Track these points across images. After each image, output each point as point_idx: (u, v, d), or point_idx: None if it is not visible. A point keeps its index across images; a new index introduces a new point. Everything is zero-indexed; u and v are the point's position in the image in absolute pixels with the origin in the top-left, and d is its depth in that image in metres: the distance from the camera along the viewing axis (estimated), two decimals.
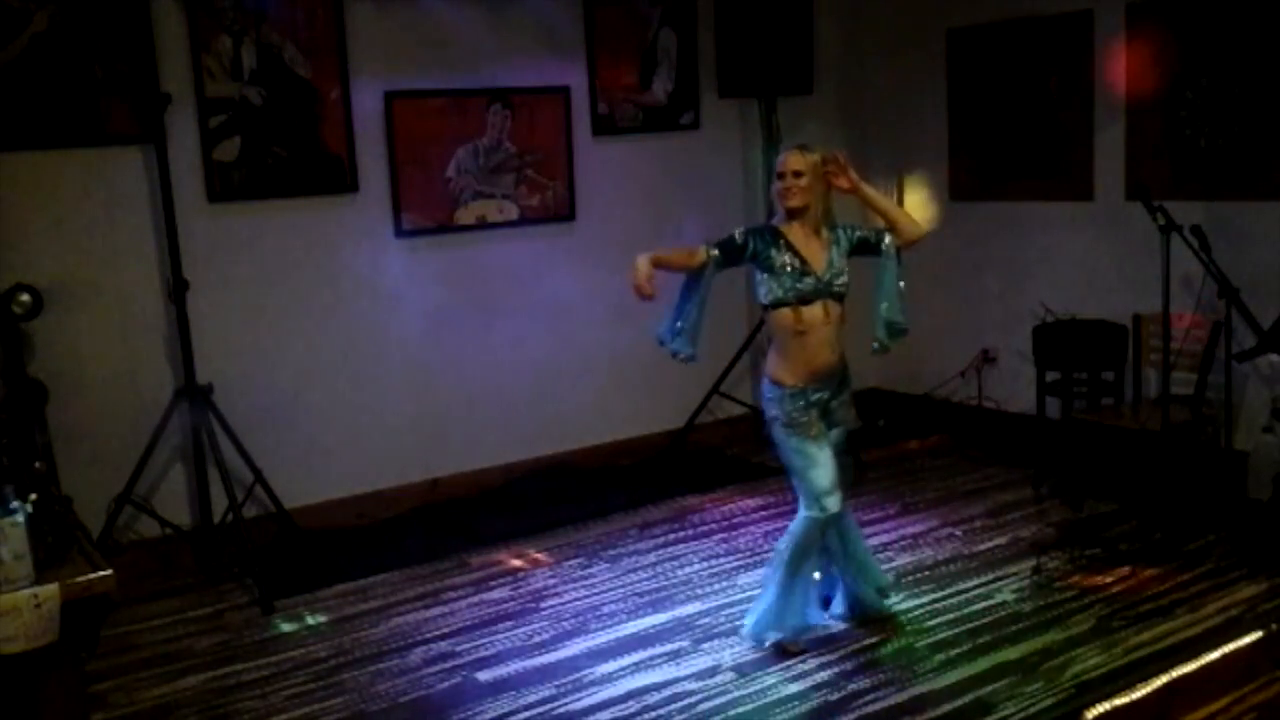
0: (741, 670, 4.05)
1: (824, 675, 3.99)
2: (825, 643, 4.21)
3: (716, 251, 4.01)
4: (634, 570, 5.03)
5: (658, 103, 6.49)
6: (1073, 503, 5.49)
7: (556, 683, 4.01)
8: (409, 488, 5.88)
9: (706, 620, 4.47)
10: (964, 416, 6.77)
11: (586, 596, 4.77)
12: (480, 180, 5.96)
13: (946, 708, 3.73)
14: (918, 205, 6.98)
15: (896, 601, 4.49)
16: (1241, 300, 4.78)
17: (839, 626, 4.35)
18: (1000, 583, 4.70)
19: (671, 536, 5.43)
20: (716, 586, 4.78)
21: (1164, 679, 3.79)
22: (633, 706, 3.83)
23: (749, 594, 4.60)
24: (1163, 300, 4.78)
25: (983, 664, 4.01)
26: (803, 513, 4.10)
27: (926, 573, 4.84)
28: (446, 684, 4.06)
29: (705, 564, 5.06)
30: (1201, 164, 5.55)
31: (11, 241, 4.86)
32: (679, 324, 4.05)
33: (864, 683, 3.92)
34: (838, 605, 4.39)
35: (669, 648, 4.25)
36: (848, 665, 4.05)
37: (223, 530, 5.13)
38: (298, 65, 5.43)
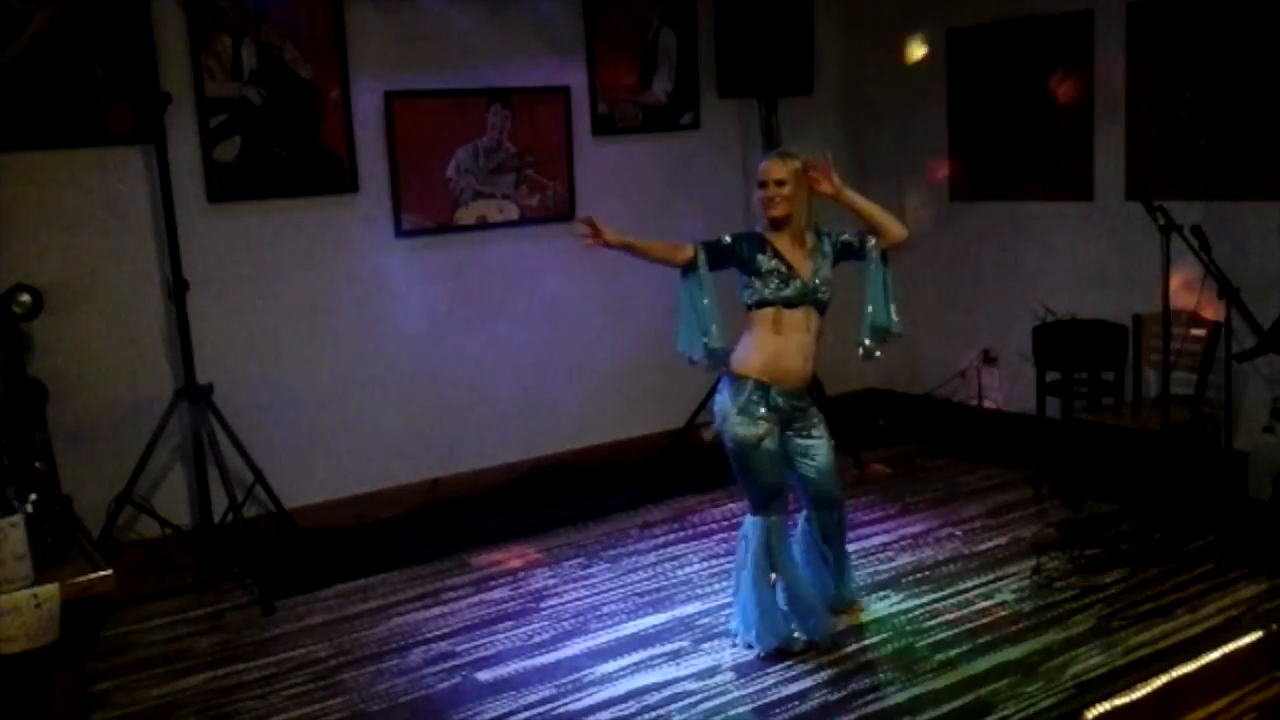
0: (741, 670, 4.05)
1: (824, 675, 3.99)
2: (824, 643, 4.20)
3: (704, 251, 3.99)
4: (634, 570, 5.03)
5: (658, 103, 6.49)
6: (1073, 503, 5.49)
7: (556, 683, 4.01)
8: (409, 488, 5.88)
9: (706, 620, 4.47)
10: (964, 416, 6.77)
11: (586, 596, 4.77)
12: (480, 180, 5.96)
13: (946, 708, 3.73)
14: (918, 205, 6.99)
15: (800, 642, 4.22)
16: (1242, 300, 4.78)
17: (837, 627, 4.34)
18: (1000, 583, 4.70)
19: (671, 536, 5.43)
20: (716, 586, 4.77)
21: (1164, 679, 3.80)
22: (633, 706, 3.83)
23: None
24: (1163, 300, 4.78)
25: (983, 664, 4.01)
26: (748, 513, 4.14)
27: (926, 573, 4.84)
28: (446, 684, 4.07)
29: (705, 564, 5.06)
30: (1201, 164, 5.55)
31: (11, 241, 4.86)
32: (699, 335, 4.00)
33: (864, 683, 3.92)
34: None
35: (669, 648, 4.25)
36: (848, 665, 4.06)
37: (223, 530, 5.13)
38: (298, 65, 5.43)
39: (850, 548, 5.11)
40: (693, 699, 3.87)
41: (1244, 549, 4.82)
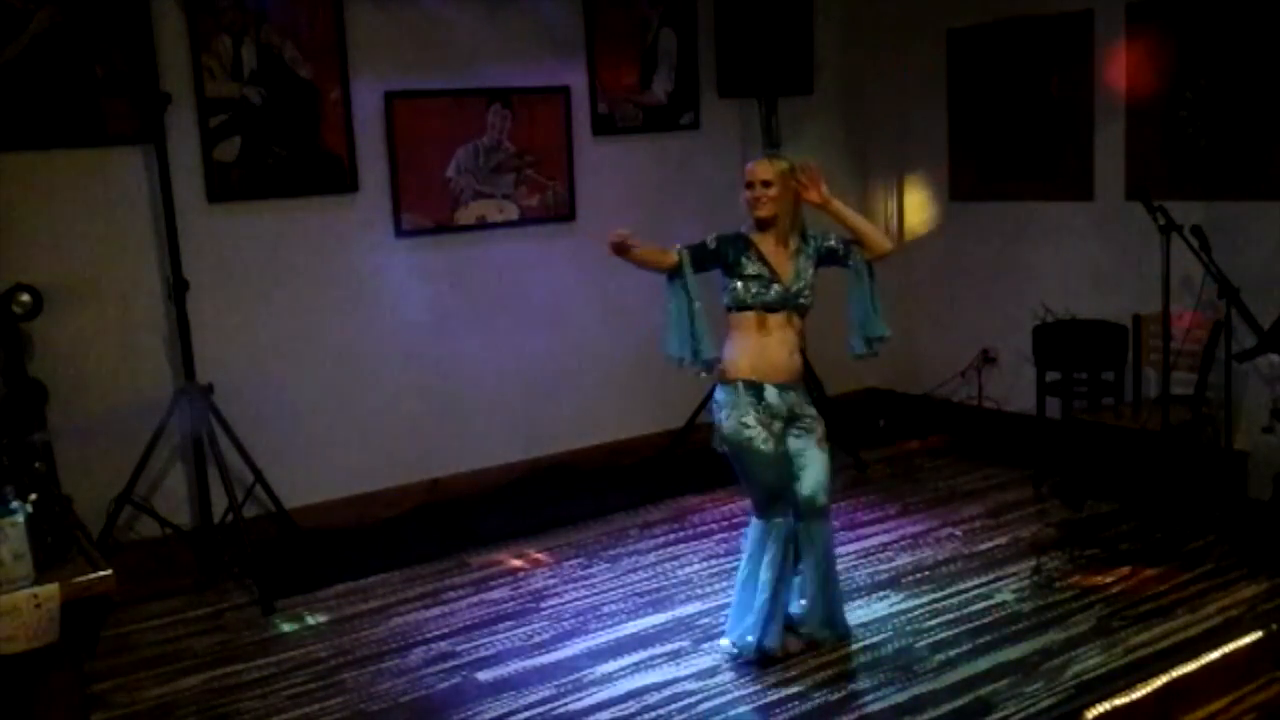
0: (741, 670, 4.05)
1: (824, 675, 3.99)
2: (824, 643, 4.20)
3: (687, 254, 3.97)
4: (634, 570, 5.03)
5: (658, 103, 6.49)
6: (1073, 503, 5.49)
7: (556, 683, 4.01)
8: (409, 488, 5.88)
9: (706, 620, 4.46)
10: (964, 416, 6.77)
11: (586, 596, 4.77)
12: (480, 180, 5.96)
13: (946, 708, 3.74)
14: (918, 205, 7.00)
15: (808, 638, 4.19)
16: (1241, 300, 4.78)
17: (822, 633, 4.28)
18: (1000, 583, 4.70)
19: (671, 536, 5.43)
20: (716, 586, 4.77)
21: (1164, 679, 3.79)
22: (633, 706, 3.83)
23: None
24: (1163, 300, 4.78)
25: (983, 664, 4.01)
26: (751, 515, 4.09)
27: (926, 573, 4.84)
28: (446, 684, 4.06)
29: (705, 564, 5.06)
30: (1201, 164, 5.55)
31: (11, 241, 4.86)
32: (690, 341, 3.98)
33: (864, 683, 3.92)
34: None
35: (669, 648, 4.25)
36: (848, 665, 4.06)
37: (223, 530, 5.12)
38: (298, 65, 5.43)
39: (850, 548, 5.15)
40: (693, 699, 3.87)
41: (1244, 549, 4.83)
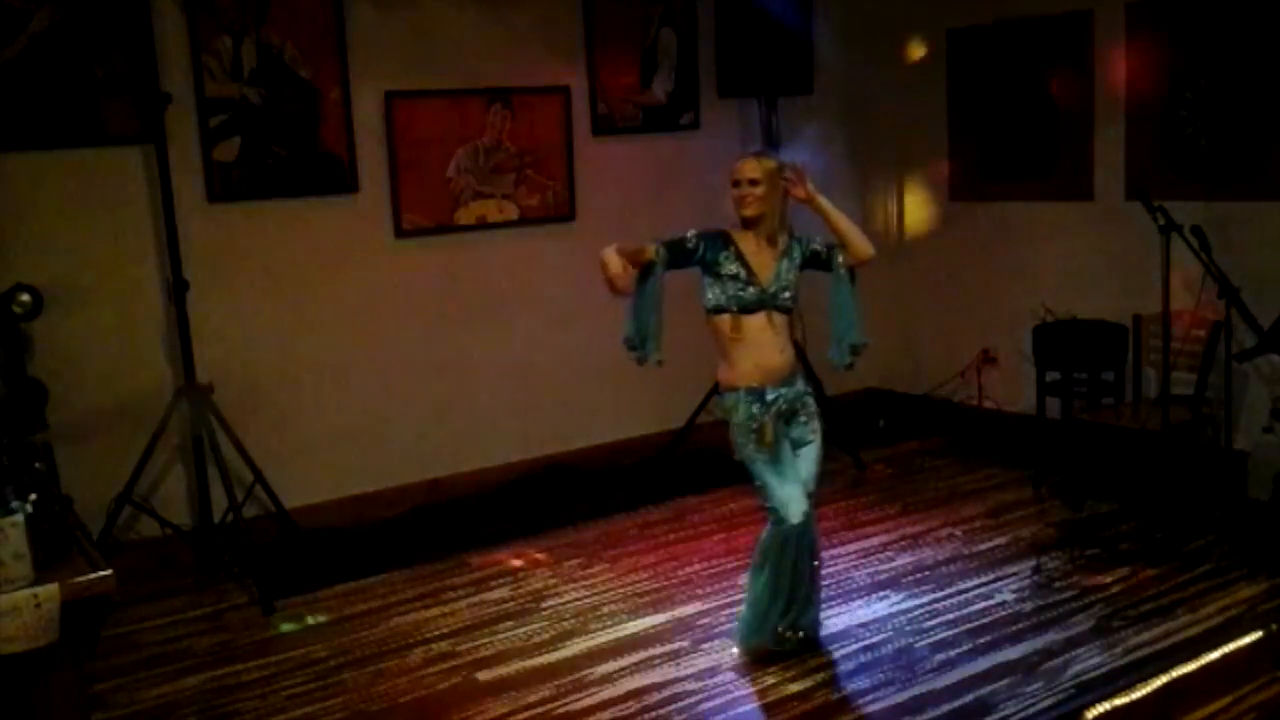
0: (741, 670, 4.05)
1: (824, 675, 3.99)
2: (825, 642, 4.21)
3: (663, 250, 3.93)
4: (634, 570, 5.03)
5: (658, 103, 6.49)
6: (1073, 503, 5.49)
7: (556, 683, 4.01)
8: (409, 488, 5.88)
9: (706, 620, 4.46)
10: (964, 416, 6.77)
11: (586, 596, 4.77)
12: (480, 180, 5.96)
13: (946, 708, 3.73)
14: (917, 205, 7.00)
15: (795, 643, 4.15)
16: (1241, 300, 4.78)
17: (828, 630, 4.32)
18: (1000, 583, 4.70)
19: (671, 536, 5.43)
20: (716, 586, 4.77)
21: (1164, 679, 3.80)
22: (632, 706, 3.83)
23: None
24: (1163, 300, 4.78)
25: (983, 664, 4.01)
26: (769, 523, 4.00)
27: (926, 573, 4.84)
28: (446, 684, 4.06)
29: (705, 564, 5.06)
30: (1201, 164, 5.55)
31: (11, 241, 4.86)
32: (641, 331, 3.96)
33: (864, 683, 3.92)
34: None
35: (669, 648, 4.25)
36: (848, 665, 4.05)
37: (223, 530, 5.12)
38: (298, 65, 5.43)
39: (850, 548, 5.16)
40: (693, 699, 3.87)
41: (1244, 549, 4.82)
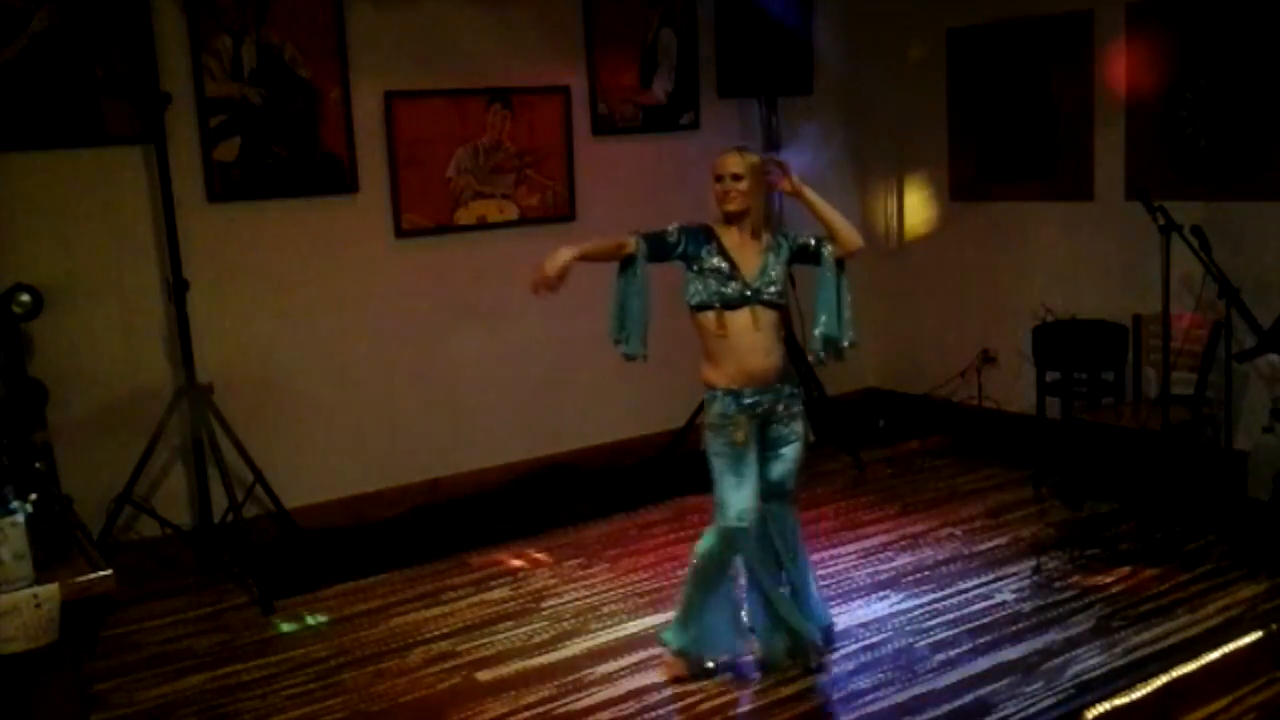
0: (741, 670, 4.05)
1: (824, 675, 3.99)
2: (824, 642, 4.21)
3: (643, 243, 3.89)
4: (634, 570, 5.03)
5: (658, 103, 6.49)
6: (1073, 503, 5.49)
7: (556, 683, 4.01)
8: (409, 488, 5.88)
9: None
10: (964, 416, 6.77)
11: (586, 596, 4.77)
12: (480, 180, 5.96)
13: (946, 708, 3.73)
14: (918, 205, 7.00)
15: (832, 652, 4.15)
16: (1241, 300, 4.78)
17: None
18: (1000, 583, 4.70)
19: (671, 536, 5.43)
20: None
21: (1164, 679, 3.80)
22: (632, 706, 3.83)
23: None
24: (1163, 300, 4.78)
25: (983, 664, 4.01)
26: (713, 523, 3.93)
27: (926, 573, 4.84)
28: (446, 684, 4.06)
29: None
30: (1201, 164, 5.55)
31: (11, 241, 4.86)
32: (626, 326, 3.92)
33: (864, 683, 3.92)
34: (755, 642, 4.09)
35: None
36: (848, 665, 4.05)
37: (223, 530, 5.12)
38: (298, 65, 5.43)
39: (850, 548, 5.15)
40: (693, 699, 3.87)
41: (1244, 549, 4.82)
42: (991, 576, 4.76)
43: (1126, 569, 4.72)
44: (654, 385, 6.36)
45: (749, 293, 3.86)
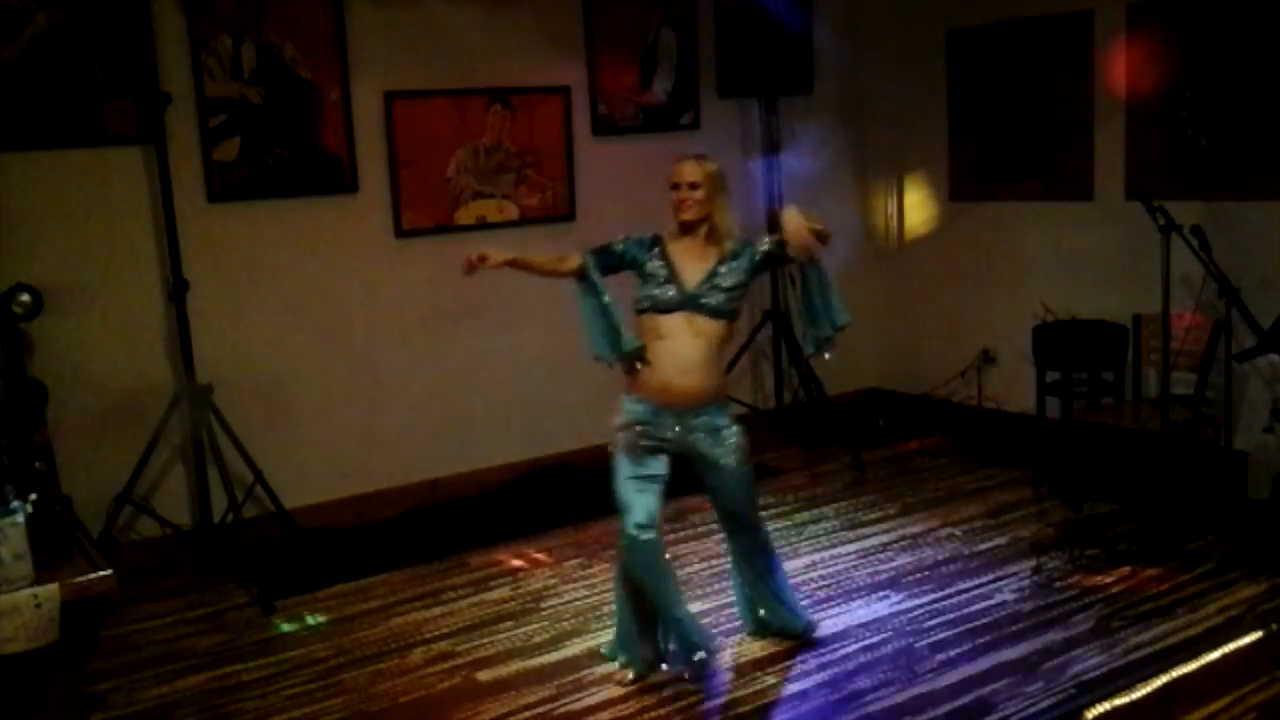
0: (741, 670, 4.05)
1: (824, 675, 3.99)
2: (824, 642, 4.22)
3: (590, 256, 3.89)
4: None
5: (658, 103, 6.49)
6: (1073, 503, 5.48)
7: (556, 683, 4.01)
8: (409, 488, 5.88)
9: (706, 620, 4.44)
10: (964, 416, 6.77)
11: (586, 596, 4.77)
12: (480, 180, 5.97)
13: (946, 708, 3.73)
14: (918, 205, 7.00)
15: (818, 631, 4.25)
16: (1241, 300, 4.78)
17: (829, 630, 4.32)
18: (1000, 583, 4.70)
19: (671, 536, 5.42)
20: (716, 586, 4.77)
21: (1164, 679, 3.80)
22: (632, 706, 3.83)
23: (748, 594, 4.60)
24: (1163, 300, 4.78)
25: (983, 664, 4.01)
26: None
27: (926, 573, 4.84)
28: (446, 684, 4.06)
29: (705, 564, 5.06)
30: (1201, 164, 5.55)
31: (11, 241, 4.86)
32: (609, 335, 3.89)
33: (864, 683, 3.92)
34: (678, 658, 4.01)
35: (669, 648, 4.24)
36: (848, 665, 4.05)
37: (223, 530, 5.12)
38: (298, 65, 5.43)
39: (850, 548, 5.15)
40: (693, 699, 3.87)
41: (1244, 549, 4.83)
42: (991, 576, 4.77)
43: (1126, 569, 4.72)
44: None
45: (684, 298, 3.80)
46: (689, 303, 3.81)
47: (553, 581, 4.94)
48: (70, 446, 4.91)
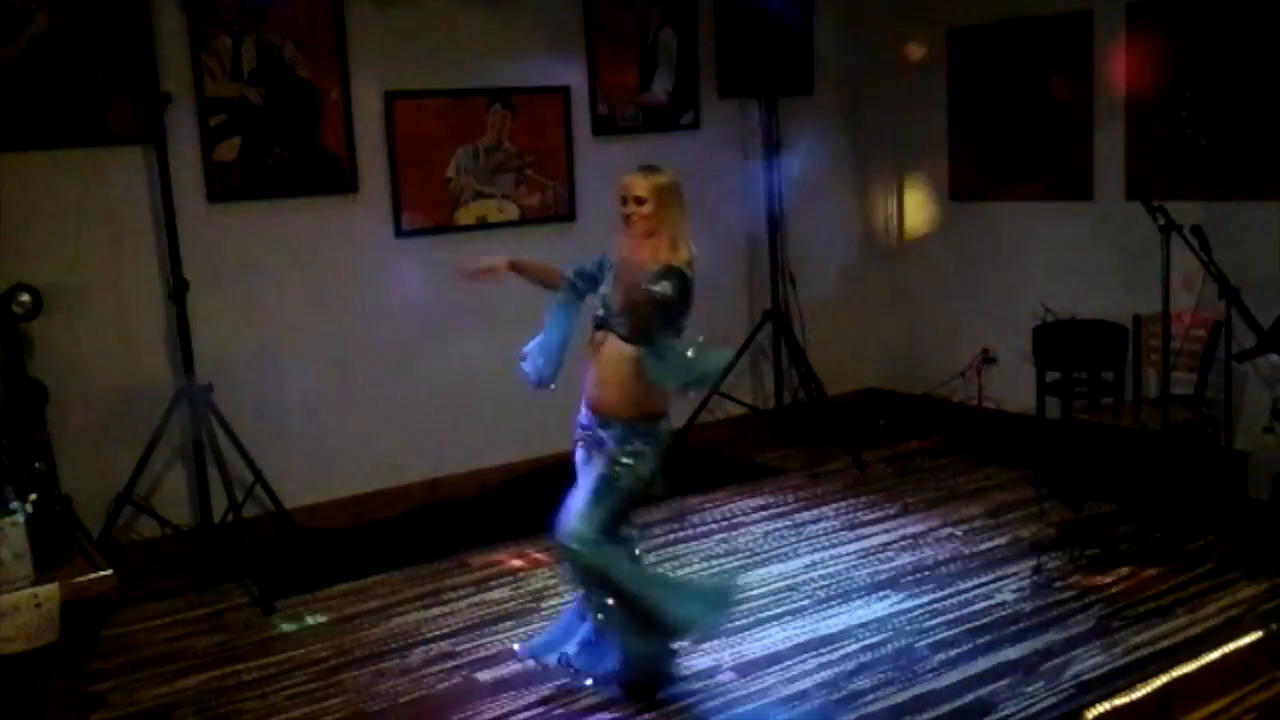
0: (741, 670, 4.05)
1: (824, 675, 3.99)
2: (824, 642, 4.22)
3: (572, 275, 3.89)
4: None
5: (658, 103, 6.49)
6: (1073, 503, 5.48)
7: (557, 683, 4.01)
8: (409, 488, 5.87)
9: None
10: (964, 416, 6.77)
11: None
12: (480, 180, 5.96)
13: (946, 708, 3.73)
14: (917, 205, 7.00)
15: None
16: (1241, 300, 4.78)
17: (829, 630, 4.33)
18: (1000, 583, 4.70)
19: (671, 536, 5.43)
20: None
21: (1164, 679, 3.79)
22: (633, 706, 3.83)
23: (748, 594, 4.60)
24: (1163, 300, 4.78)
25: (983, 664, 4.01)
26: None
27: (926, 573, 4.84)
28: (446, 684, 4.06)
29: (705, 564, 5.06)
30: (1201, 164, 5.55)
31: (11, 241, 4.86)
32: (540, 356, 3.94)
33: (864, 683, 3.92)
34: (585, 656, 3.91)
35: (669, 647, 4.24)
36: (848, 665, 4.05)
37: (223, 530, 5.12)
38: (298, 65, 5.43)
39: (850, 548, 5.17)
40: (693, 699, 3.87)
41: (1244, 549, 4.82)
42: (991, 576, 4.76)
43: (1126, 569, 4.72)
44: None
45: (604, 317, 3.80)
46: (604, 321, 3.81)
47: (553, 581, 4.93)
48: (70, 446, 4.91)
